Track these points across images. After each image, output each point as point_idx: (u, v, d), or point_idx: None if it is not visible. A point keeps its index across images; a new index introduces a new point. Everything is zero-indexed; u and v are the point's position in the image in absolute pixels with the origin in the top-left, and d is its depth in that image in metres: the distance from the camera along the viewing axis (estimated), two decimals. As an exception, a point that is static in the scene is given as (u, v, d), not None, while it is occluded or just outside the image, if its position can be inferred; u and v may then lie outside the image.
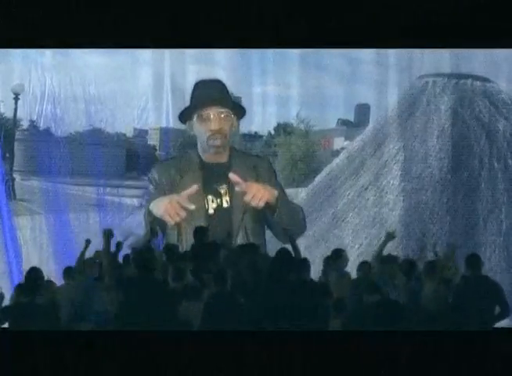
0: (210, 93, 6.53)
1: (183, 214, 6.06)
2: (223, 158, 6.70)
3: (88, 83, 14.86)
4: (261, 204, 6.27)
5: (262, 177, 6.68)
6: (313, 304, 5.24)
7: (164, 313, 5.19)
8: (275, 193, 6.43)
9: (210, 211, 6.45)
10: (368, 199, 17.39)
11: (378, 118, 19.45)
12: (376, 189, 17.41)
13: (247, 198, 6.24)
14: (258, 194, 6.31)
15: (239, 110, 6.74)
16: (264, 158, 7.30)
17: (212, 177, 6.60)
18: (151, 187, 6.77)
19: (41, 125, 15.08)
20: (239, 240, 6.28)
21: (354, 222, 17.19)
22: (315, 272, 5.90)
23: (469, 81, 18.35)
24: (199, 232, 5.89)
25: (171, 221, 6.08)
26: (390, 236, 6.69)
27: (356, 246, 16.42)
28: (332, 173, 18.51)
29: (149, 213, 6.25)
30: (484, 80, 18.46)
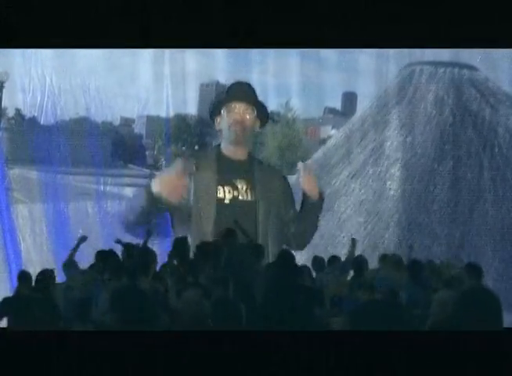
0: (239, 90, 7.06)
1: (185, 193, 6.56)
2: (243, 155, 7.16)
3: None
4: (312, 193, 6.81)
5: (277, 191, 7.07)
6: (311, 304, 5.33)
7: (163, 313, 5.24)
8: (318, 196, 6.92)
9: (226, 201, 6.85)
10: (354, 188, 17.42)
11: (365, 107, 19.46)
12: (363, 178, 17.45)
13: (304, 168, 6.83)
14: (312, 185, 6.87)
15: (263, 113, 7.21)
16: (278, 171, 7.81)
17: (229, 170, 6.98)
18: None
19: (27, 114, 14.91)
20: (261, 237, 6.55)
21: (340, 211, 17.20)
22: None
23: (456, 70, 18.37)
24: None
25: (175, 201, 6.51)
26: (354, 243, 7.12)
27: (342, 234, 16.47)
28: (319, 161, 18.49)
29: (150, 194, 6.58)
30: (471, 68, 18.49)
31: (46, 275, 5.51)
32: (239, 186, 6.93)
